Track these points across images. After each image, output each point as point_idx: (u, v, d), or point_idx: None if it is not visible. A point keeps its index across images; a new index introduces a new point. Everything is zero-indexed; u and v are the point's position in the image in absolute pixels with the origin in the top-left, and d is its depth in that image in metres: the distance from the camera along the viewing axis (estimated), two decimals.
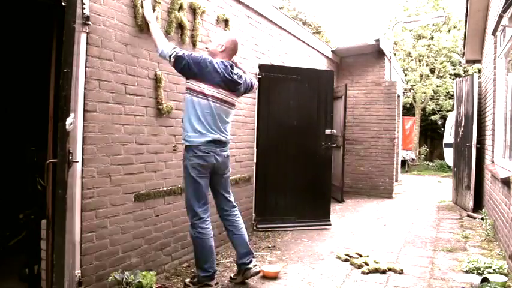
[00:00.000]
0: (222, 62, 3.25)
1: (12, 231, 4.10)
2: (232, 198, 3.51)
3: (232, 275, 3.56)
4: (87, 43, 2.83)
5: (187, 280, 3.41)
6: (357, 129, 8.49)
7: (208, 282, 3.27)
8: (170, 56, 3.11)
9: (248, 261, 3.39)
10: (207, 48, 3.56)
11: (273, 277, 3.61)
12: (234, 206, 3.51)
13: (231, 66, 3.30)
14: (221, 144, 3.28)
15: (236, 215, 3.48)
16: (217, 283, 3.39)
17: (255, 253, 4.22)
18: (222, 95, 3.23)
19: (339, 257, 4.17)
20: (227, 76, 3.22)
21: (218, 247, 4.41)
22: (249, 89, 3.57)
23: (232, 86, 3.30)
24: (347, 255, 4.17)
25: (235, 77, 3.30)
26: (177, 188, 3.77)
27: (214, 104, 3.19)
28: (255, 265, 3.44)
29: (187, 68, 3.13)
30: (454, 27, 16.58)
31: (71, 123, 2.55)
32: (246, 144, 4.99)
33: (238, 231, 3.44)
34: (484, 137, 6.63)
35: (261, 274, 3.60)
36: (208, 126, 3.17)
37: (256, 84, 3.77)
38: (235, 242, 3.45)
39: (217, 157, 3.25)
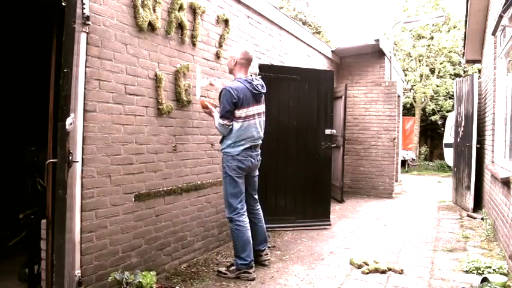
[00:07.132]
0: (246, 79, 3.66)
1: (12, 231, 4.10)
2: (256, 196, 4.00)
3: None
4: (87, 43, 2.83)
5: (223, 269, 3.68)
6: (356, 129, 8.48)
7: (247, 270, 3.60)
8: (221, 124, 3.59)
9: (263, 248, 3.95)
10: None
11: None
12: (257, 202, 4.01)
13: (252, 80, 3.69)
14: (255, 148, 3.76)
15: (259, 209, 4.01)
16: (254, 271, 3.65)
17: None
18: (253, 111, 3.67)
19: (342, 258, 4.17)
20: (255, 91, 3.67)
21: (218, 247, 4.42)
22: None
23: (259, 97, 3.76)
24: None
25: (259, 87, 3.73)
26: (177, 188, 3.77)
27: (248, 122, 3.64)
28: (267, 254, 3.98)
29: (231, 113, 3.58)
30: (454, 27, 16.58)
31: (71, 123, 2.55)
32: None
33: (260, 223, 3.99)
34: (484, 137, 6.62)
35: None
36: (244, 138, 3.64)
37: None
38: (256, 232, 3.92)
39: (252, 160, 3.74)
